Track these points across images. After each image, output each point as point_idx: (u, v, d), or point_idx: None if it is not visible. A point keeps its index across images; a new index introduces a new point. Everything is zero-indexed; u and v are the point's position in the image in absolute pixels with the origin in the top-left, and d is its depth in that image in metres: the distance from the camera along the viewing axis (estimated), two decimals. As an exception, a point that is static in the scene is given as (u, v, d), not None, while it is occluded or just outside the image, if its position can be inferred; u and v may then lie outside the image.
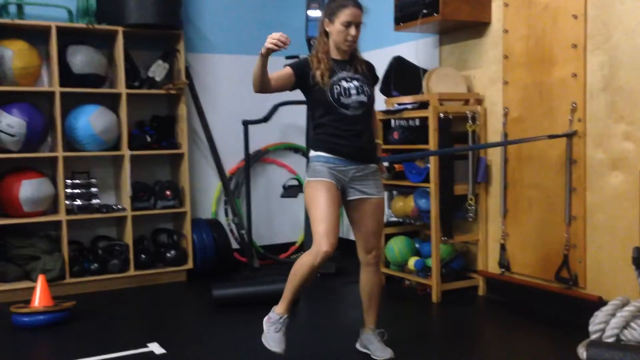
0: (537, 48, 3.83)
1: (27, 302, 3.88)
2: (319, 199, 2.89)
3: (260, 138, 5.51)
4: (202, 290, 4.51)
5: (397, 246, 4.46)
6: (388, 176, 4.43)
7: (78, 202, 4.66)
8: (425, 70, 4.37)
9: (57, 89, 4.52)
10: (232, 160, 5.47)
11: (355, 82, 2.98)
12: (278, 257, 5.62)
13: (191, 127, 5.25)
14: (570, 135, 3.62)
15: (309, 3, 5.15)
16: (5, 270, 4.41)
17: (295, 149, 5.79)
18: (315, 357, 3.21)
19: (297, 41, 5.05)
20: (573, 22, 3.60)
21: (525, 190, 3.96)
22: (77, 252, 4.69)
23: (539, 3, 3.81)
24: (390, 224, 4.61)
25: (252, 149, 5.37)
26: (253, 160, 5.50)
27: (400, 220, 4.62)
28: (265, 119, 5.19)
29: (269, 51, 2.74)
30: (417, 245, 4.51)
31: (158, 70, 4.87)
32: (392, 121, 4.46)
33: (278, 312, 3.01)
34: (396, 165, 4.39)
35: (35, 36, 4.57)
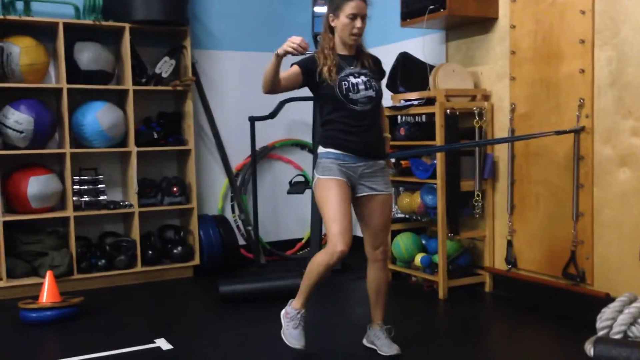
0: (545, 44, 3.82)
1: (35, 298, 3.90)
2: (331, 198, 2.89)
3: (267, 134, 5.51)
4: (209, 286, 4.52)
5: (403, 242, 4.46)
6: (395, 172, 4.43)
7: (85, 198, 4.67)
8: (431, 67, 4.36)
9: (65, 85, 4.53)
10: (238, 156, 5.48)
11: (363, 77, 2.98)
12: (284, 253, 5.63)
13: (198, 123, 5.26)
14: (577, 131, 3.61)
15: (315, -1, 5.15)
16: (13, 266, 4.43)
17: (302, 146, 5.79)
18: (322, 352, 3.21)
19: (303, 37, 5.07)
20: (581, 17, 3.58)
21: (532, 187, 3.94)
22: (84, 248, 4.71)
23: (546, -2, 3.80)
24: (396, 220, 4.60)
25: (259, 145, 5.37)
26: (259, 156, 5.51)
27: (407, 216, 4.61)
28: (272, 115, 5.19)
29: (286, 54, 2.74)
30: (423, 242, 4.50)
31: (165, 66, 4.87)
32: (399, 117, 4.46)
33: (295, 306, 3.05)
34: (403, 162, 4.38)
35: (43, 33, 4.59)
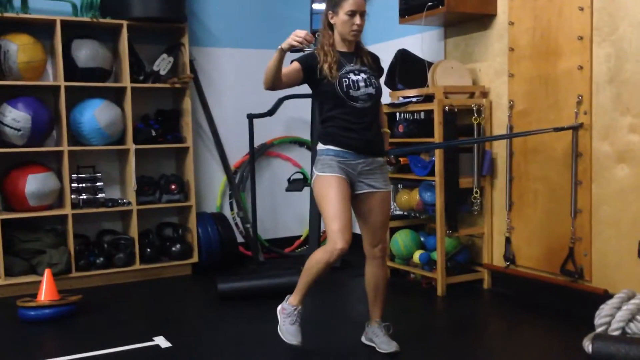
0: (543, 40, 3.81)
1: (34, 296, 3.90)
2: (331, 195, 2.89)
3: (265, 132, 5.50)
4: (207, 284, 4.52)
5: (402, 239, 4.46)
6: (393, 169, 4.42)
7: (83, 196, 4.67)
8: (430, 63, 4.36)
9: (62, 83, 4.52)
10: (237, 154, 5.48)
11: (363, 75, 2.98)
12: (283, 250, 5.63)
13: (196, 120, 5.25)
14: (576, 128, 3.61)
15: (313, -4, 5.14)
16: (11, 265, 4.42)
17: (300, 143, 5.79)
18: (321, 350, 3.21)
19: (307, 31, 5.07)
20: (579, 13, 3.58)
21: (530, 183, 3.94)
22: (82, 246, 4.70)
23: (544, -5, 3.79)
24: (395, 217, 4.60)
25: (257, 142, 5.37)
26: (258, 154, 5.50)
27: (406, 213, 4.61)
28: (270, 112, 5.18)
29: (291, 48, 2.74)
30: (422, 239, 4.50)
31: (163, 64, 4.87)
32: (397, 114, 4.45)
33: (292, 303, 3.04)
34: (401, 159, 4.38)
35: (40, 30, 4.58)
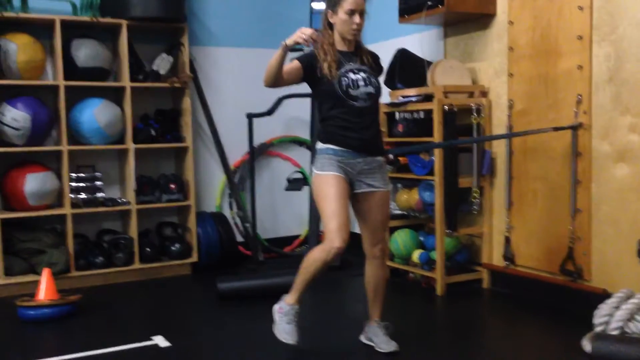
0: (543, 40, 3.81)
1: (33, 295, 3.89)
2: (329, 194, 2.89)
3: (265, 131, 5.50)
4: (207, 283, 4.52)
5: (401, 239, 4.46)
6: (392, 168, 4.43)
7: (83, 195, 4.67)
8: (429, 63, 4.36)
9: (62, 82, 4.52)
10: (236, 153, 5.47)
11: (363, 74, 2.98)
12: (283, 250, 5.63)
13: (195, 120, 5.25)
14: (575, 128, 3.61)
15: (313, -5, 5.14)
16: (11, 264, 4.42)
17: (300, 142, 5.79)
18: (320, 349, 3.21)
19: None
20: (579, 13, 3.58)
21: (530, 183, 3.94)
22: (82, 246, 4.70)
23: (544, -6, 3.79)
24: (394, 217, 4.60)
25: (257, 142, 5.37)
26: (257, 153, 5.50)
27: (405, 213, 4.61)
28: (270, 112, 5.18)
29: (296, 44, 2.76)
30: (421, 238, 4.50)
31: (162, 63, 4.86)
32: (397, 114, 4.45)
33: (289, 302, 3.04)
34: (401, 158, 4.38)
35: (40, 30, 4.58)
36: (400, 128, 4.34)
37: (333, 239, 2.85)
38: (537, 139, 3.84)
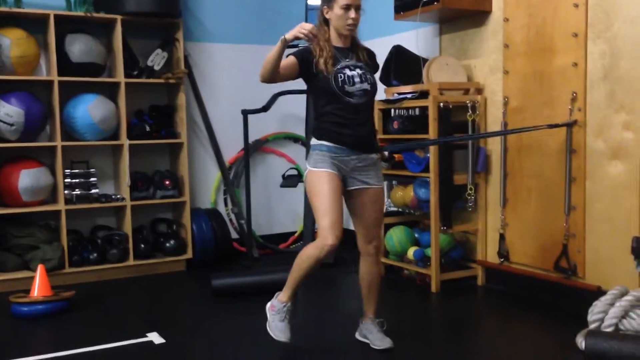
0: (538, 37, 3.81)
1: (27, 291, 3.88)
2: (322, 191, 2.89)
3: (260, 127, 5.49)
4: (202, 279, 4.51)
5: (396, 236, 4.46)
6: (388, 165, 4.43)
7: (77, 191, 4.65)
8: (425, 60, 4.35)
9: (56, 77, 4.50)
10: (231, 149, 5.46)
11: (359, 70, 2.97)
12: (277, 246, 5.62)
13: (190, 116, 5.24)
14: (570, 125, 3.61)
15: (308, -9, 5.12)
16: (4, 260, 4.41)
17: (295, 139, 5.78)
18: (314, 346, 3.21)
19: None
20: (574, 10, 3.58)
21: (524, 180, 3.95)
22: (76, 242, 4.69)
23: (539, -8, 3.79)
24: (389, 213, 4.60)
25: (252, 138, 5.36)
26: (252, 149, 5.49)
27: (400, 210, 4.61)
28: (265, 108, 5.17)
29: (295, 39, 2.76)
30: (416, 235, 4.50)
31: (157, 59, 4.85)
32: (392, 111, 4.45)
33: (282, 300, 3.03)
34: (396, 155, 4.38)
35: (33, 25, 4.55)
36: (395, 125, 4.34)
37: (326, 237, 2.85)
38: (532, 136, 3.84)
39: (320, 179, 2.91)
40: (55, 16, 4.48)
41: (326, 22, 3.00)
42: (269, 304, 3.08)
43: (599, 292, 3.36)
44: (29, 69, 4.50)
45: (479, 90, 4.24)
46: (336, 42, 3.00)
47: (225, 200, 5.48)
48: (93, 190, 4.71)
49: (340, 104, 2.94)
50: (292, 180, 5.11)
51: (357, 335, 3.22)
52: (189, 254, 4.99)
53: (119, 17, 4.65)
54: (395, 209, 4.63)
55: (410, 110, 4.35)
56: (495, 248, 4.17)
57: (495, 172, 4.17)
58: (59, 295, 3.83)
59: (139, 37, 4.95)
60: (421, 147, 4.21)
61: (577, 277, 3.64)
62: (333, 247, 2.86)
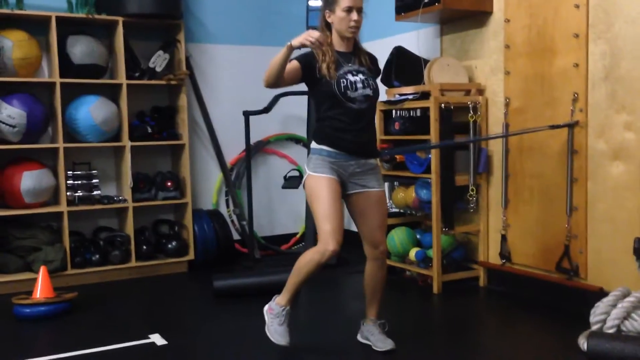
0: (539, 38, 3.81)
1: (29, 293, 3.88)
2: (322, 196, 2.89)
3: (261, 129, 5.49)
4: (203, 281, 4.51)
5: (398, 237, 4.46)
6: (389, 167, 4.43)
7: (79, 193, 4.66)
8: (426, 61, 4.35)
9: (57, 79, 4.50)
10: (233, 151, 5.47)
11: (361, 76, 2.97)
12: (279, 247, 5.62)
13: (192, 117, 5.24)
14: (571, 126, 3.61)
15: (309, -7, 5.13)
16: (6, 262, 4.42)
17: (297, 140, 5.78)
18: (316, 348, 3.21)
19: (297, 32, 5.03)
20: (575, 11, 3.58)
21: (526, 181, 3.95)
22: (78, 243, 4.69)
23: (540, -8, 3.79)
24: (391, 214, 4.59)
25: (253, 139, 5.36)
26: (254, 151, 5.50)
27: (401, 211, 4.61)
28: (266, 109, 5.17)
29: (302, 47, 2.75)
30: (418, 236, 4.50)
31: (158, 60, 4.85)
32: (393, 112, 4.45)
33: (280, 303, 3.03)
34: (397, 156, 4.38)
35: (35, 26, 4.56)
36: (397, 126, 4.34)
37: (327, 242, 2.85)
38: (534, 136, 3.84)
39: (320, 184, 2.91)
40: (57, 18, 4.48)
41: (328, 26, 2.99)
42: (266, 307, 3.08)
43: (601, 293, 3.36)
44: (31, 71, 4.50)
45: (480, 91, 4.24)
46: (339, 46, 3.00)
47: (227, 201, 5.48)
48: (95, 192, 4.72)
49: (342, 109, 2.93)
50: (294, 181, 5.11)
51: (359, 337, 3.22)
52: (191, 255, 4.99)
53: (120, 19, 4.65)
54: (396, 210, 4.63)
55: (411, 111, 4.35)
56: (497, 249, 4.17)
57: (497, 173, 4.16)
58: (61, 297, 3.84)
59: (140, 39, 4.96)
60: (421, 151, 4.21)
61: (579, 278, 3.64)
62: (334, 253, 2.86)
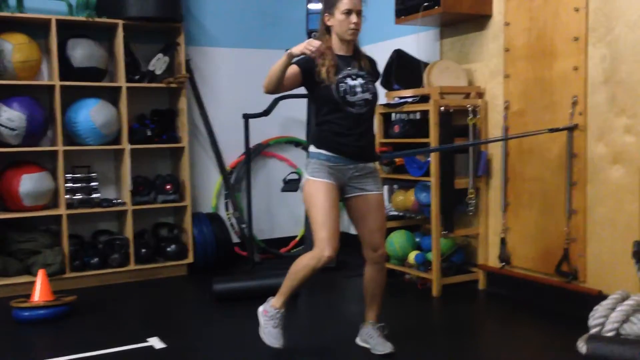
0: (539, 41, 3.81)
1: (28, 296, 3.88)
2: (320, 202, 2.90)
3: (261, 132, 5.49)
4: (203, 284, 4.51)
5: (397, 240, 4.46)
6: (389, 170, 4.43)
7: (78, 196, 4.66)
8: (426, 64, 4.36)
9: (57, 82, 4.51)
10: (232, 154, 5.47)
11: (360, 80, 2.97)
12: (279, 251, 5.62)
13: (191, 120, 5.24)
14: (571, 129, 3.61)
15: (309, -4, 5.13)
16: (5, 265, 4.41)
17: (296, 143, 5.78)
18: (315, 351, 3.21)
19: (297, 35, 5.05)
20: (575, 14, 3.58)
21: (525, 184, 3.95)
22: (77, 247, 4.69)
23: (540, -4, 3.79)
24: (390, 217, 4.60)
25: (253, 142, 5.36)
26: (253, 154, 5.50)
27: (401, 214, 4.61)
28: (266, 112, 5.18)
29: (302, 55, 2.76)
30: (417, 239, 4.50)
31: (158, 63, 4.86)
32: (393, 115, 4.45)
33: (275, 306, 3.03)
34: (397, 159, 4.38)
35: (35, 29, 4.56)
36: (396, 129, 4.34)
37: (324, 248, 2.86)
38: (533, 140, 3.84)
39: (318, 190, 2.91)
40: (57, 21, 4.49)
41: (328, 30, 3.00)
42: (261, 309, 3.09)
43: (600, 297, 3.35)
44: (31, 74, 4.51)
45: (480, 94, 4.24)
46: (338, 49, 3.00)
47: (226, 204, 5.48)
48: (94, 195, 4.72)
49: (342, 113, 2.93)
50: (293, 184, 5.11)
51: (358, 340, 3.22)
52: (190, 259, 4.99)
53: (120, 22, 4.66)
54: (396, 213, 4.63)
55: (411, 114, 4.36)
56: (496, 252, 4.16)
57: (496, 176, 4.16)
58: (60, 300, 3.83)
59: (140, 42, 4.96)
60: (422, 154, 4.21)
61: (578, 282, 3.63)
62: (330, 259, 2.88)
